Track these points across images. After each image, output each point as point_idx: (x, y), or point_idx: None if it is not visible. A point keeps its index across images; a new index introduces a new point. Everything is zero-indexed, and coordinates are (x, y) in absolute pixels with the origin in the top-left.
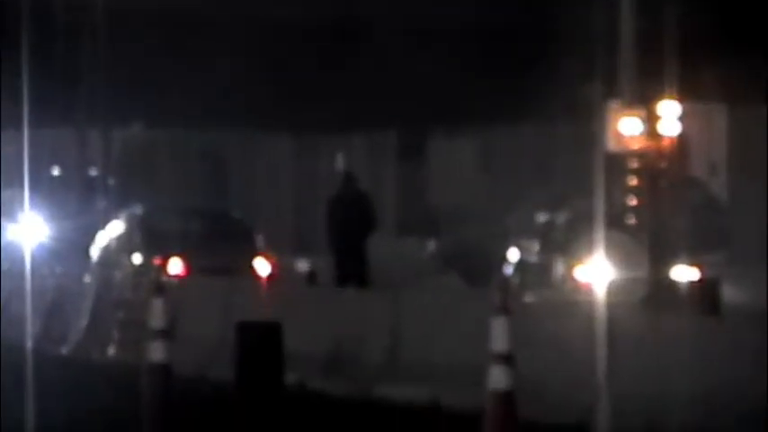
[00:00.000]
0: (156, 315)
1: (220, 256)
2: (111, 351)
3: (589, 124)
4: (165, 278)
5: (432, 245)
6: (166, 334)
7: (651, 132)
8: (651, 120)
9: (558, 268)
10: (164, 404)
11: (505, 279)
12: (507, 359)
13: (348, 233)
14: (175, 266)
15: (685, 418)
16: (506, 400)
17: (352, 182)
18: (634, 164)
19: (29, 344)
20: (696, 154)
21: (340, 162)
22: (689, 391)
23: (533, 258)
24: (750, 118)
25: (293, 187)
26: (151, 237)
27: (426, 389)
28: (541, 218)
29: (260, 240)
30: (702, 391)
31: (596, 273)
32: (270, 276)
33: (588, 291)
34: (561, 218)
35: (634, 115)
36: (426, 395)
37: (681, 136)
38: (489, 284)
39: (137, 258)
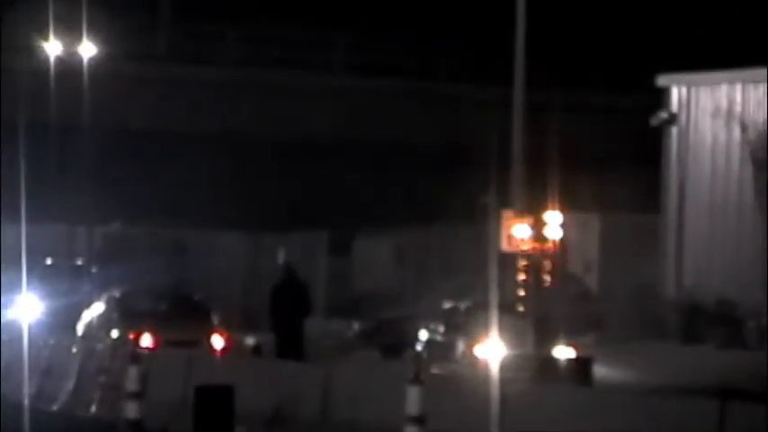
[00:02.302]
0: (132, 380)
1: (184, 332)
2: (93, 409)
3: (486, 228)
4: (138, 349)
5: (356, 325)
6: (139, 395)
7: (537, 236)
8: (538, 226)
9: (460, 346)
10: None
11: (418, 355)
12: (420, 421)
13: (288, 315)
14: (147, 340)
15: None
16: None
17: (292, 272)
18: (523, 262)
19: (26, 401)
20: (574, 254)
21: (281, 256)
22: None
23: (439, 338)
24: (618, 224)
25: (243, 276)
26: (126, 315)
27: None
28: (446, 304)
29: (215, 319)
30: None
31: (491, 350)
32: (223, 349)
33: (485, 365)
34: (463, 305)
35: (523, 222)
36: None
37: (561, 239)
38: (403, 358)
39: (114, 333)
